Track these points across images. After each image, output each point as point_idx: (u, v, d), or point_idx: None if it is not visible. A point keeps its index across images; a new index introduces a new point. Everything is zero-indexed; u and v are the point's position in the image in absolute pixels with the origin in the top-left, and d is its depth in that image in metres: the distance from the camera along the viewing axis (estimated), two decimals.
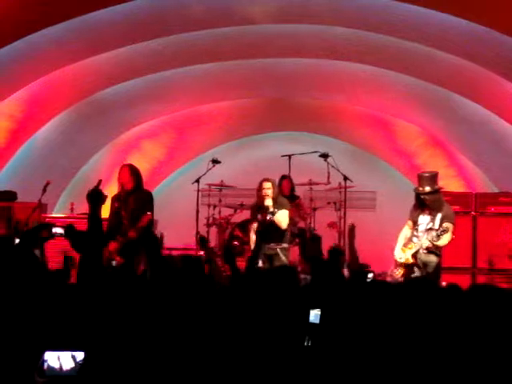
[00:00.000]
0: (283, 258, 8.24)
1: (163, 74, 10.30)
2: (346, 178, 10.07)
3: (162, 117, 11.75)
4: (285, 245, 8.37)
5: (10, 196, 9.79)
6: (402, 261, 7.68)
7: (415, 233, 7.72)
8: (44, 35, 8.57)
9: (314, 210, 10.50)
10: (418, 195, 7.73)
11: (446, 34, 8.94)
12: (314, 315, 3.34)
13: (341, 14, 9.03)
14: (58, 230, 7.54)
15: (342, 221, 10.30)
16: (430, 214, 7.66)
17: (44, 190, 8.31)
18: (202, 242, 5.53)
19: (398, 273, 7.70)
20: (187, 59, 10.08)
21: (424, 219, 7.70)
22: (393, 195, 11.57)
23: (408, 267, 7.64)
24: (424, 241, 7.52)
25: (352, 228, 8.27)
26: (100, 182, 7.91)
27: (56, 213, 10.49)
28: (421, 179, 7.69)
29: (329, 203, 10.66)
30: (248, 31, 9.51)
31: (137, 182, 7.87)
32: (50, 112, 10.38)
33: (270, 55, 10.26)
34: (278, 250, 8.24)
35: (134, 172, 7.95)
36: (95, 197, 4.17)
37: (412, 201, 7.98)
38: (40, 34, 8.53)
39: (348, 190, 10.27)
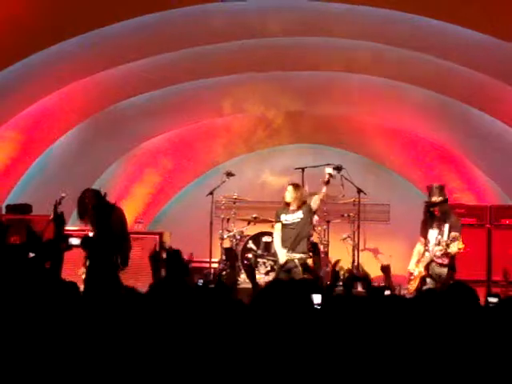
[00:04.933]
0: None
1: (178, 86, 10.34)
2: (359, 191, 10.05)
3: (177, 129, 11.79)
4: (304, 256, 8.29)
5: (25, 209, 9.85)
6: (416, 274, 7.79)
7: (426, 247, 7.90)
8: (58, 49, 8.63)
9: (328, 222, 10.49)
10: (427, 208, 7.97)
11: (464, 47, 8.95)
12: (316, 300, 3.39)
13: (357, 27, 9.05)
14: (74, 241, 7.57)
15: (356, 233, 10.29)
16: (437, 227, 7.87)
17: (59, 203, 8.34)
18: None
19: (411, 286, 7.77)
20: (202, 72, 10.12)
21: (433, 233, 7.89)
22: (407, 208, 11.53)
23: (421, 280, 7.71)
24: (435, 249, 7.69)
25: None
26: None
27: (71, 225, 10.52)
28: (431, 190, 7.97)
29: (342, 216, 10.65)
30: (264, 44, 9.53)
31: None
32: (65, 125, 10.44)
33: (286, 68, 10.29)
34: (296, 261, 8.18)
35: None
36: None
37: None
38: (54, 49, 8.59)
39: (362, 202, 10.25)
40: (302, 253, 8.25)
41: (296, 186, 8.43)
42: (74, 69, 9.29)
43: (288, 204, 8.32)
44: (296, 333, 2.87)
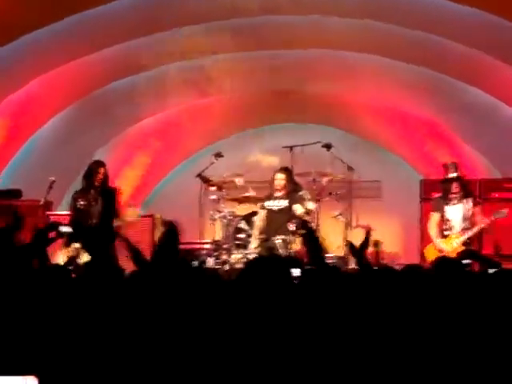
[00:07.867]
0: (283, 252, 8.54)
1: (163, 68, 10.31)
2: (350, 168, 10.02)
3: (164, 111, 11.74)
4: (284, 237, 8.67)
5: (14, 194, 9.80)
6: (449, 249, 8.08)
7: (448, 224, 8.20)
8: (42, 34, 8.58)
9: (318, 201, 10.44)
10: (446, 183, 8.25)
11: (452, 22, 8.96)
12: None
13: (345, 3, 9.01)
14: (65, 229, 7.46)
15: (348, 211, 10.28)
16: (458, 202, 8.18)
17: (50, 188, 8.31)
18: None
19: None
20: (186, 53, 10.07)
21: (454, 210, 8.17)
22: (398, 184, 11.55)
23: (458, 255, 7.93)
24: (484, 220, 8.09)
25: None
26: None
27: (61, 210, 10.48)
28: (447, 167, 8.34)
29: (331, 194, 10.62)
30: (248, 23, 9.49)
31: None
32: (52, 110, 10.38)
33: (272, 47, 10.24)
34: (276, 243, 8.62)
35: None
36: None
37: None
38: (38, 33, 8.55)
39: (352, 180, 10.24)
40: (284, 236, 8.67)
41: (288, 173, 8.91)
42: (57, 53, 9.24)
43: (273, 192, 8.86)
44: (277, 307, 2.89)
